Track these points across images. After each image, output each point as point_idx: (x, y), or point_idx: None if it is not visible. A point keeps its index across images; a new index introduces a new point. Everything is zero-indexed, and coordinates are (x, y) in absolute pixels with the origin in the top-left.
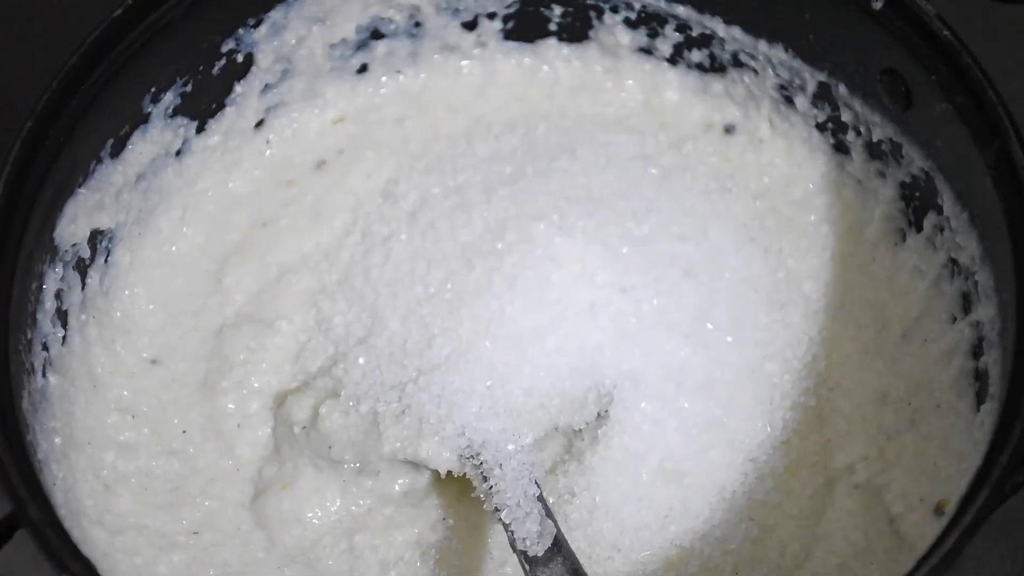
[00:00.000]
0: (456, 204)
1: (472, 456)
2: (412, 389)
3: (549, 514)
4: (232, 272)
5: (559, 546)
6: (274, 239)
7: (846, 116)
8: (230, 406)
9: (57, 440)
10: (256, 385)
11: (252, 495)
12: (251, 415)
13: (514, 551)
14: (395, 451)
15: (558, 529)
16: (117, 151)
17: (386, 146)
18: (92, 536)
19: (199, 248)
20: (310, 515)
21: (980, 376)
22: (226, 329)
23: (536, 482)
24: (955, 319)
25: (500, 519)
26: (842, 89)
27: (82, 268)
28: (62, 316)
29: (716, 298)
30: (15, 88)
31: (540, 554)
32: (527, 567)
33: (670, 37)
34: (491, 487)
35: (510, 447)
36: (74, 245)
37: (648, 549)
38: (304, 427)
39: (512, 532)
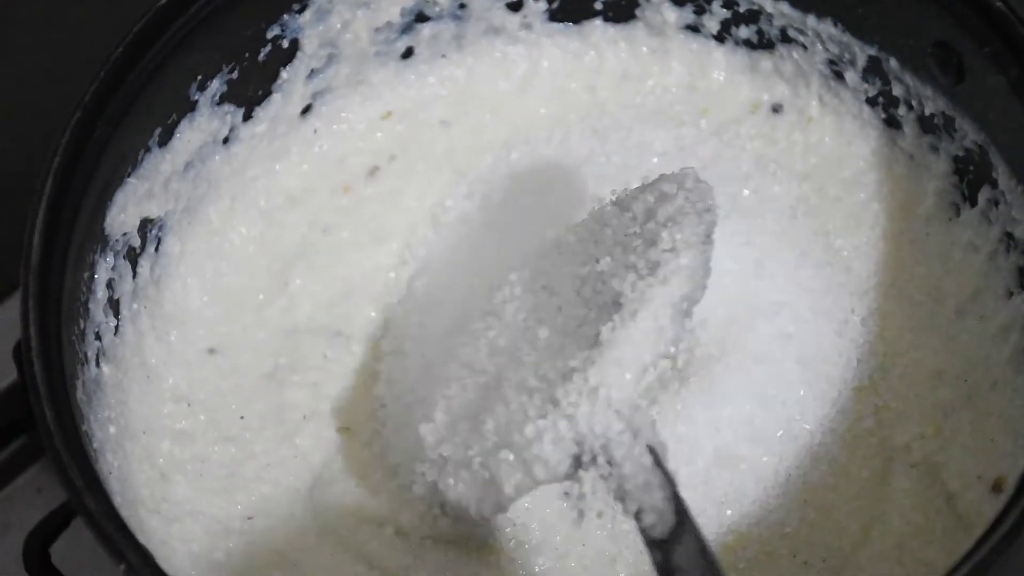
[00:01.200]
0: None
1: (591, 460)
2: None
3: (670, 481)
4: (299, 276)
5: (685, 519)
6: (337, 250)
7: (897, 90)
8: (298, 397)
9: (112, 429)
10: (329, 391)
11: (309, 483)
12: (319, 412)
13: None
14: (518, 490)
15: (679, 500)
16: (165, 140)
17: (432, 158)
18: (149, 525)
19: (254, 243)
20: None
21: None
22: (302, 333)
23: (651, 448)
24: (1011, 294)
25: (624, 510)
26: (893, 63)
27: (133, 257)
28: (114, 305)
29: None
30: (64, 80)
31: (667, 535)
32: (658, 554)
33: (717, 14)
34: (609, 481)
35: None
36: (124, 234)
37: (705, 535)
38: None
39: (640, 519)
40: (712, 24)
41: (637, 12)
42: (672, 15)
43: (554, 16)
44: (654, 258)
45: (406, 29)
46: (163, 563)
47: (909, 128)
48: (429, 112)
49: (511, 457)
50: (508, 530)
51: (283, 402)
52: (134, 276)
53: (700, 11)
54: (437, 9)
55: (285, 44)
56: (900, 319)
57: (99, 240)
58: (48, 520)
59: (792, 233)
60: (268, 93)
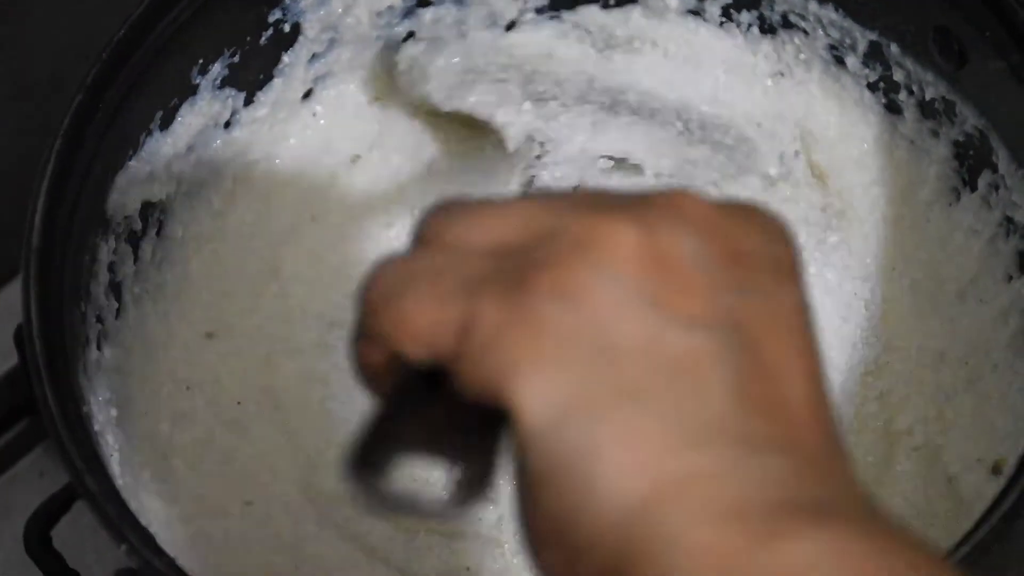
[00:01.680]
0: None
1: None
2: None
3: None
4: (290, 263)
5: None
6: (325, 238)
7: (898, 75)
8: (292, 384)
9: (113, 412)
10: (324, 379)
11: (305, 469)
12: (313, 400)
13: None
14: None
15: None
16: (166, 123)
17: (406, 149)
18: (149, 507)
19: (249, 226)
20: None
21: None
22: (295, 319)
23: None
24: (1011, 278)
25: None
26: (894, 48)
27: (134, 241)
28: (115, 289)
29: None
30: (65, 62)
31: None
32: None
33: None
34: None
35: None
36: (126, 217)
37: None
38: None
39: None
40: (714, 9)
41: None
42: (673, 0)
43: (554, 3)
44: None
45: (407, 13)
46: (164, 545)
47: (910, 113)
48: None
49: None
50: (512, 524)
51: (278, 388)
52: (135, 259)
53: None
54: None
55: (287, 28)
56: (902, 304)
57: (101, 223)
58: (49, 503)
59: (792, 219)
60: (269, 77)
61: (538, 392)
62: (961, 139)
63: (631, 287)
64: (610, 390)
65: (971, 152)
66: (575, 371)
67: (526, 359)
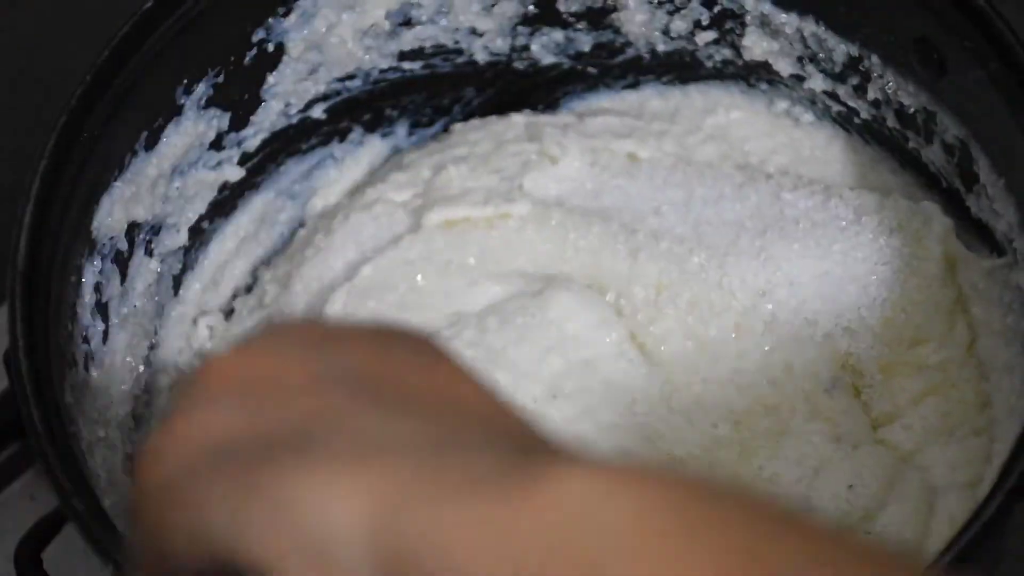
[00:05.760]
0: None
1: None
2: None
3: None
4: (272, 286)
5: None
6: (306, 263)
7: (878, 85)
8: None
9: (101, 432)
10: None
11: None
12: None
13: None
14: None
15: None
16: (151, 143)
17: None
18: None
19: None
20: None
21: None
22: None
23: None
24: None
25: None
26: (875, 59)
27: (121, 261)
28: (102, 309)
29: None
30: (49, 82)
31: None
32: None
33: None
34: None
35: None
36: (111, 238)
37: None
38: None
39: None
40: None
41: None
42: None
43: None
44: None
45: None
46: None
47: (890, 123)
48: None
49: None
50: None
51: None
52: (122, 280)
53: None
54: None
55: (271, 48)
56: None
57: (86, 243)
58: (39, 525)
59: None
60: (256, 98)
61: None
62: (942, 149)
63: None
64: None
65: (954, 161)
66: None
67: None
